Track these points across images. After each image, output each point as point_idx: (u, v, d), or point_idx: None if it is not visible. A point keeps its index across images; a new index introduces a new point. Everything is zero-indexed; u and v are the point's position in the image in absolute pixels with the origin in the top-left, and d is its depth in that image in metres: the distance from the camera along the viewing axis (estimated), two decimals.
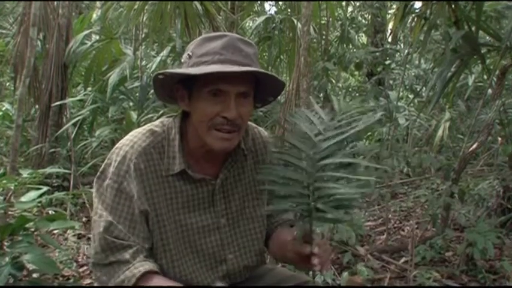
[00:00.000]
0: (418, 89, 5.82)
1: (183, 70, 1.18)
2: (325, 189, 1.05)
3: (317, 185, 1.06)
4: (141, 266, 1.16)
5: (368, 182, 1.04)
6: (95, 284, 1.20)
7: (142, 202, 1.21)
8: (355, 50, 5.42)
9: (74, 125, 4.80)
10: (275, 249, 1.40)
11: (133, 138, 1.25)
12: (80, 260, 3.13)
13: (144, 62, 4.65)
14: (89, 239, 3.36)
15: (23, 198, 2.03)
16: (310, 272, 2.49)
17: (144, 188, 1.22)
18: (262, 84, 1.24)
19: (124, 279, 1.15)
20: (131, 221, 1.21)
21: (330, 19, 5.38)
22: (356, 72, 6.83)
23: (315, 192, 1.06)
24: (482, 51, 3.10)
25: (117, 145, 1.27)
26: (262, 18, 5.24)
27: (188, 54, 1.20)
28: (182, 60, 1.24)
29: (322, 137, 1.10)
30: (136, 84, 4.64)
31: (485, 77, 4.43)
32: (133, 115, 4.43)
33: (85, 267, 2.95)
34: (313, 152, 1.08)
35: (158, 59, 4.48)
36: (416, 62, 5.78)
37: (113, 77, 4.37)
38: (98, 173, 1.26)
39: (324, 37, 5.25)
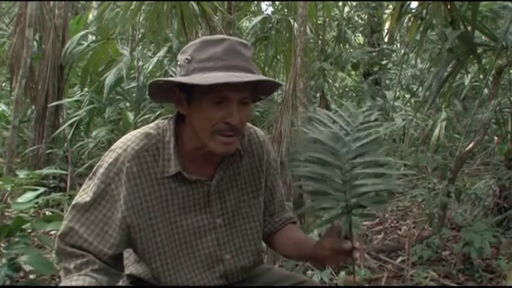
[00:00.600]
0: (415, 89, 5.85)
1: (188, 79, 1.16)
2: (362, 186, 1.09)
3: (353, 182, 1.10)
4: (77, 280, 1.15)
5: (396, 177, 1.10)
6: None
7: (128, 208, 1.21)
8: (351, 50, 5.43)
9: (71, 125, 4.79)
10: (288, 247, 1.41)
11: (127, 141, 1.25)
12: None
13: (140, 63, 4.64)
14: None
15: (19, 199, 2.03)
16: (308, 272, 2.50)
17: (136, 193, 1.21)
18: (260, 87, 1.25)
19: (62, 286, 1.17)
20: (105, 224, 1.21)
21: (327, 19, 5.38)
22: (353, 72, 6.84)
23: (351, 189, 1.10)
24: (478, 51, 3.11)
25: (111, 147, 1.27)
26: (258, 18, 5.23)
27: (187, 58, 1.19)
28: (179, 63, 1.22)
29: (351, 137, 1.14)
30: (133, 84, 4.64)
31: (481, 76, 4.45)
32: (130, 116, 4.42)
33: None
34: (345, 150, 1.12)
35: (155, 59, 4.47)
36: (413, 62, 5.81)
37: (110, 77, 4.37)
38: (90, 174, 1.27)
39: (320, 37, 5.26)
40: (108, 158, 1.24)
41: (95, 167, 1.27)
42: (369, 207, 1.11)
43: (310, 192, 1.17)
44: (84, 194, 1.23)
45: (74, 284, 1.14)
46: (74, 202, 1.25)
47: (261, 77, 1.19)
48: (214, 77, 1.12)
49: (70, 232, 1.21)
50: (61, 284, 1.17)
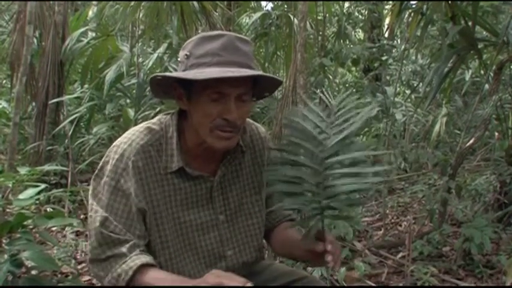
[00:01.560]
0: (415, 85, 5.83)
1: (183, 74, 1.17)
2: (335, 186, 1.06)
3: (326, 183, 1.07)
4: (138, 259, 1.16)
5: (378, 175, 1.06)
6: (94, 280, 1.21)
7: (140, 200, 1.22)
8: (351, 45, 5.42)
9: (71, 122, 4.79)
10: (280, 245, 1.42)
11: (131, 136, 1.26)
12: (78, 257, 3.13)
13: (140, 59, 4.63)
14: (87, 236, 3.36)
15: (21, 196, 2.02)
16: (308, 268, 2.51)
17: (142, 186, 1.22)
18: (260, 82, 1.25)
19: (121, 272, 1.16)
20: (127, 219, 1.21)
21: (327, 15, 5.37)
22: (353, 68, 6.83)
23: (324, 191, 1.07)
24: (479, 47, 3.11)
25: (115, 143, 1.28)
26: (258, 14, 5.23)
27: (186, 54, 1.20)
28: (179, 59, 1.24)
29: (325, 135, 1.10)
30: (133, 81, 4.63)
31: (482, 72, 4.43)
32: (131, 112, 4.42)
33: (83, 264, 2.96)
34: (319, 150, 1.09)
35: (155, 55, 4.46)
36: (413, 58, 5.79)
37: (110, 74, 4.36)
38: (96, 171, 1.27)
39: (320, 33, 5.24)
40: (113, 154, 1.25)
41: (101, 163, 1.27)
42: (340, 210, 1.09)
43: (283, 193, 1.15)
44: (98, 194, 1.24)
45: (138, 262, 1.15)
46: (95, 198, 1.24)
47: (255, 72, 1.19)
48: (209, 72, 1.13)
49: (106, 221, 1.20)
50: (119, 270, 1.16)
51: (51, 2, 5.11)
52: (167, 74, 1.21)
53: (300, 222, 1.14)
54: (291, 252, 1.35)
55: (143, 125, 1.29)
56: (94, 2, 7.08)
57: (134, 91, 4.63)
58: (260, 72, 1.20)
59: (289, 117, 1.19)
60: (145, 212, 1.23)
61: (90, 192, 1.26)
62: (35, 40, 5.19)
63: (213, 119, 1.18)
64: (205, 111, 1.18)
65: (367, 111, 1.12)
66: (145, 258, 1.17)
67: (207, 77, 1.11)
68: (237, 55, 1.18)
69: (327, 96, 1.19)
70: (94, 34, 5.40)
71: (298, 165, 1.11)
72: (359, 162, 1.08)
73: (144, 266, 1.16)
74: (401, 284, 2.62)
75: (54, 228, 3.57)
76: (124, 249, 1.18)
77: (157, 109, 3.96)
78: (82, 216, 3.94)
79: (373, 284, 2.58)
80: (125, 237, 1.20)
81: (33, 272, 2.06)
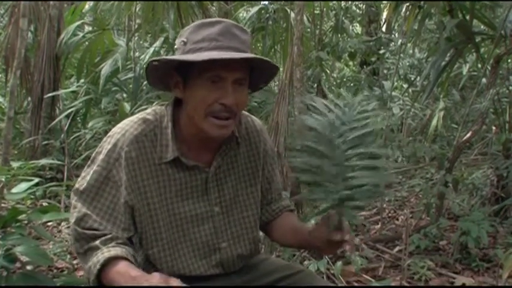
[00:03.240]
0: (413, 79, 5.82)
1: (181, 57, 1.17)
2: (355, 178, 1.06)
3: (346, 174, 1.07)
4: (108, 252, 1.14)
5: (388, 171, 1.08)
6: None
7: (129, 192, 1.21)
8: (349, 39, 5.40)
9: (67, 116, 4.77)
10: (285, 235, 1.41)
11: (125, 127, 1.25)
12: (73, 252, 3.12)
13: (137, 53, 4.61)
14: None
15: (14, 190, 2.01)
16: (305, 262, 2.50)
17: (134, 177, 1.21)
18: (256, 71, 1.24)
19: (91, 265, 1.15)
20: (113, 210, 1.21)
21: (324, 9, 5.35)
22: (350, 63, 6.82)
23: (343, 182, 1.07)
24: (477, 40, 3.09)
25: (108, 134, 1.27)
26: (255, 8, 5.20)
27: (183, 41, 1.19)
28: (176, 47, 1.23)
29: (347, 127, 1.10)
30: (130, 75, 4.62)
31: (479, 66, 4.43)
32: (127, 107, 4.41)
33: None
34: (341, 140, 1.08)
35: (151, 50, 4.44)
36: (411, 52, 5.78)
37: (106, 68, 4.34)
38: (89, 162, 1.27)
39: (318, 27, 5.22)
40: (106, 144, 1.24)
41: (94, 154, 1.27)
42: (361, 201, 1.09)
43: (305, 183, 1.16)
44: (85, 183, 1.23)
45: (107, 255, 1.13)
46: (78, 190, 1.24)
47: (254, 55, 1.18)
48: (207, 55, 1.12)
49: (84, 217, 1.20)
50: (90, 263, 1.16)
51: None
52: (164, 57, 1.20)
53: (320, 212, 1.14)
54: (300, 241, 1.34)
55: (138, 116, 1.29)
56: None
57: (130, 85, 4.61)
58: (258, 56, 1.20)
59: (311, 105, 1.19)
60: (133, 204, 1.22)
61: (78, 181, 1.26)
62: (30, 34, 5.16)
63: (210, 104, 1.17)
64: (202, 96, 1.17)
65: (387, 115, 1.15)
66: (116, 251, 1.15)
67: (205, 59, 1.10)
68: (235, 41, 1.17)
69: (344, 94, 1.19)
70: (90, 28, 5.36)
71: (319, 154, 1.10)
72: (376, 157, 1.08)
73: (114, 259, 1.13)
74: (398, 278, 2.61)
75: (50, 223, 3.56)
76: (97, 241, 1.17)
77: (154, 103, 3.94)
78: None
79: (370, 278, 2.57)
80: (102, 231, 1.19)
81: (28, 267, 2.05)
